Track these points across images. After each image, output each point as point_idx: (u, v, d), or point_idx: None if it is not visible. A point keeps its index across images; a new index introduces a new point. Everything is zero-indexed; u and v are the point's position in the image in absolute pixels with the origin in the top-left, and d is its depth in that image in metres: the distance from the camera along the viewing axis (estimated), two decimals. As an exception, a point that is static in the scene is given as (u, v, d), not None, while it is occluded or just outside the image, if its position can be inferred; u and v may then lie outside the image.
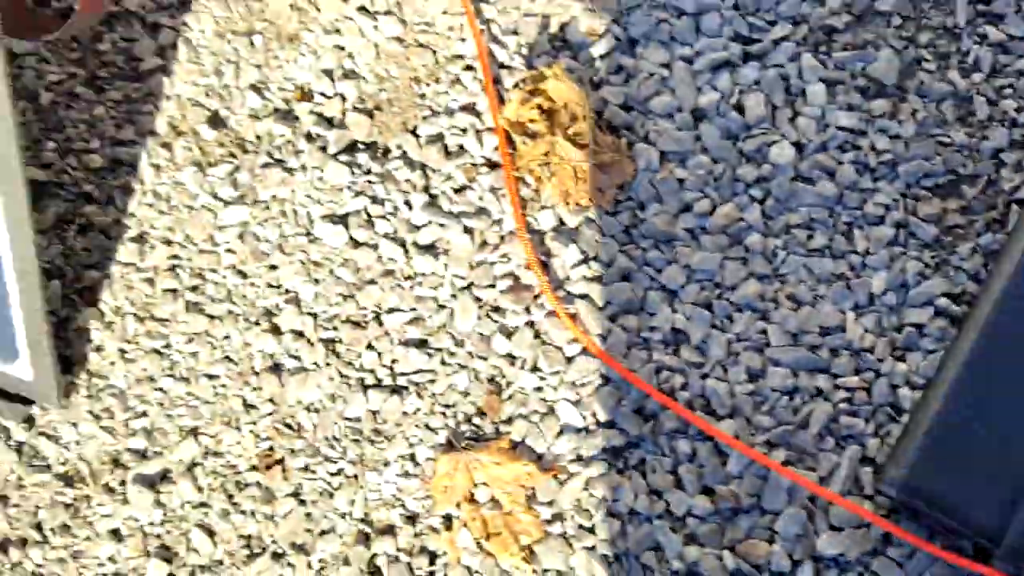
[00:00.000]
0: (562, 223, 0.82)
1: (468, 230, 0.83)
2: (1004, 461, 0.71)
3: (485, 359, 0.81)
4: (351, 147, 0.87)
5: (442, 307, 0.82)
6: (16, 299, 0.77)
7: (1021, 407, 0.71)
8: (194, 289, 0.85)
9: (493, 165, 0.84)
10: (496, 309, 0.81)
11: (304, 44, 0.89)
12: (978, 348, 0.72)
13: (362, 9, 0.89)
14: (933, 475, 0.71)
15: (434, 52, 0.88)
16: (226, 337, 0.84)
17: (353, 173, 0.86)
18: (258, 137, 0.88)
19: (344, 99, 0.88)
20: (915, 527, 0.73)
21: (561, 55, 0.86)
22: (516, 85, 0.85)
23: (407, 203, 0.85)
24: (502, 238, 0.83)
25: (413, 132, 0.86)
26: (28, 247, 0.74)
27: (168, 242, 0.86)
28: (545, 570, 0.76)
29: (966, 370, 0.72)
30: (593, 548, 0.76)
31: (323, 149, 0.87)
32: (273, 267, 0.85)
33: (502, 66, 0.86)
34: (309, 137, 0.87)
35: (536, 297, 0.81)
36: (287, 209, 0.86)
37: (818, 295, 0.78)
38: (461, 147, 0.85)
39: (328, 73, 0.89)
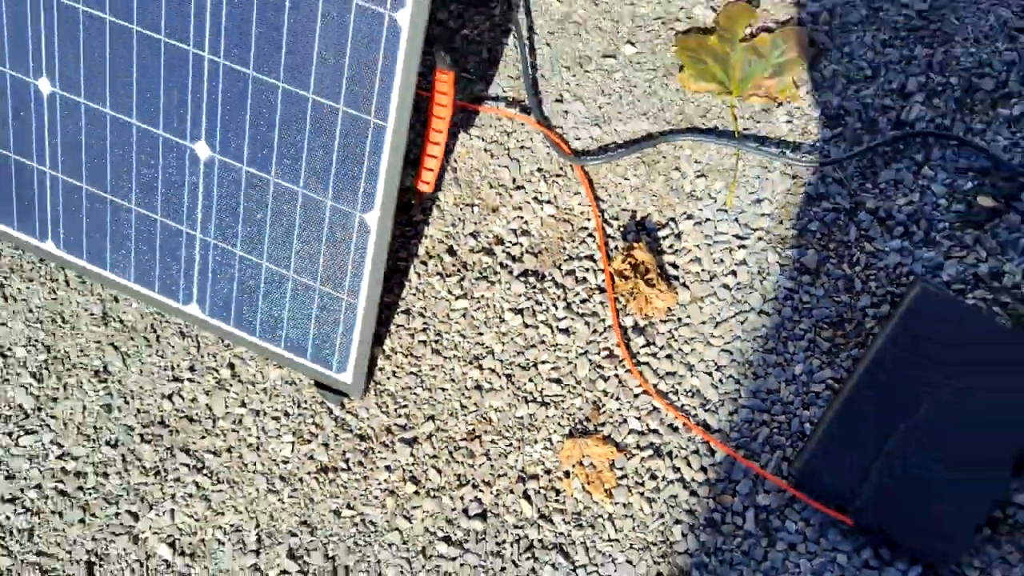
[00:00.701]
0: (637, 324, 1.55)
1: (587, 323, 1.56)
2: (858, 463, 1.42)
3: (591, 391, 1.52)
4: (525, 272, 1.60)
5: (570, 363, 1.54)
6: (357, 336, 1.49)
7: (867, 434, 1.42)
8: (436, 341, 1.58)
9: (602, 290, 1.58)
10: (599, 366, 1.54)
11: (501, 214, 1.64)
12: (843, 407, 1.43)
13: (535, 199, 1.64)
14: (816, 469, 1.40)
15: (572, 224, 1.63)
16: (452, 369, 1.56)
17: (525, 287, 1.59)
18: (474, 263, 1.62)
19: (522, 246, 1.62)
20: (810, 494, 1.43)
21: (641, 234, 1.60)
22: (616, 248, 1.59)
23: (554, 305, 1.57)
24: (605, 328, 1.55)
25: (559, 267, 1.60)
26: (374, 309, 1.46)
27: (422, 315, 1.59)
28: (616, 502, 1.46)
29: (834, 419, 1.43)
30: (643, 494, 1.46)
31: (510, 272, 1.60)
32: (480, 333, 1.57)
33: (609, 236, 1.61)
34: (502, 265, 1.61)
35: (621, 362, 1.53)
36: (489, 304, 1.59)
37: (768, 372, 1.50)
38: (585, 278, 1.59)
39: (514, 231, 1.63)
